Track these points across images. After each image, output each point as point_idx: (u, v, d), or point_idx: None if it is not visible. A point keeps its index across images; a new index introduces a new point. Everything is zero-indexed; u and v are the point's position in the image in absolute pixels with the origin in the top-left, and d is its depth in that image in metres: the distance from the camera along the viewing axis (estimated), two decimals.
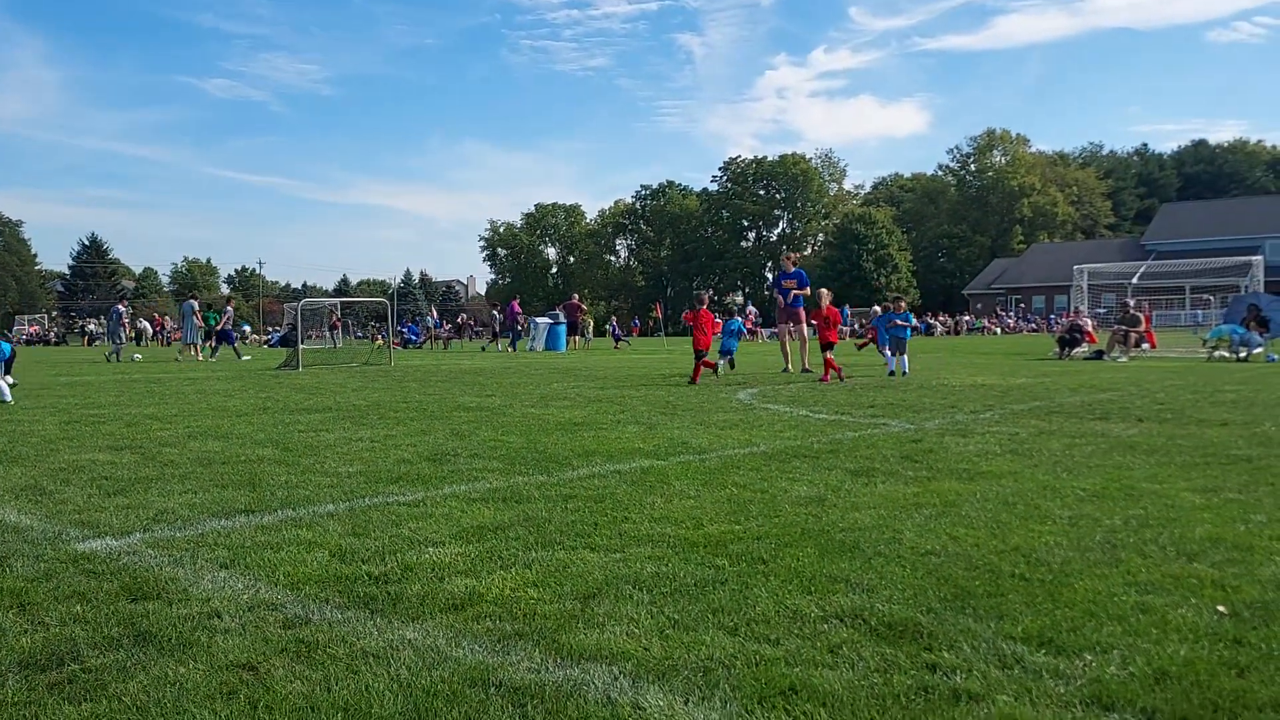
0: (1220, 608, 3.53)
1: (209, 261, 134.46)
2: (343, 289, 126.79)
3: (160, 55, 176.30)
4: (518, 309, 36.86)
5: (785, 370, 18.50)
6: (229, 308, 31.15)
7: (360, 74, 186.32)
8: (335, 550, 4.67)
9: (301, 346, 23.41)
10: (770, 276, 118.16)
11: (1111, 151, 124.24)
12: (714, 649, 3.25)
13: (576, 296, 39.63)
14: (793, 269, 19.07)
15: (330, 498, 6.06)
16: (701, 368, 15.96)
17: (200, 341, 29.59)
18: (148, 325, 58.17)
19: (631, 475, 6.81)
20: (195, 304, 30.73)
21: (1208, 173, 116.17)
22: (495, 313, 38.92)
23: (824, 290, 16.77)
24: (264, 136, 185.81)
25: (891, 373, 16.91)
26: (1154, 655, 3.05)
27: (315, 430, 9.70)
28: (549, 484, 6.50)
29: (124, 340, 29.94)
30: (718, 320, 18.81)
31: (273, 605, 3.80)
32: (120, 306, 29.79)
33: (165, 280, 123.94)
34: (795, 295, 18.84)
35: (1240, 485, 6.01)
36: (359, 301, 36.91)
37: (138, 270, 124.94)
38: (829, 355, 15.93)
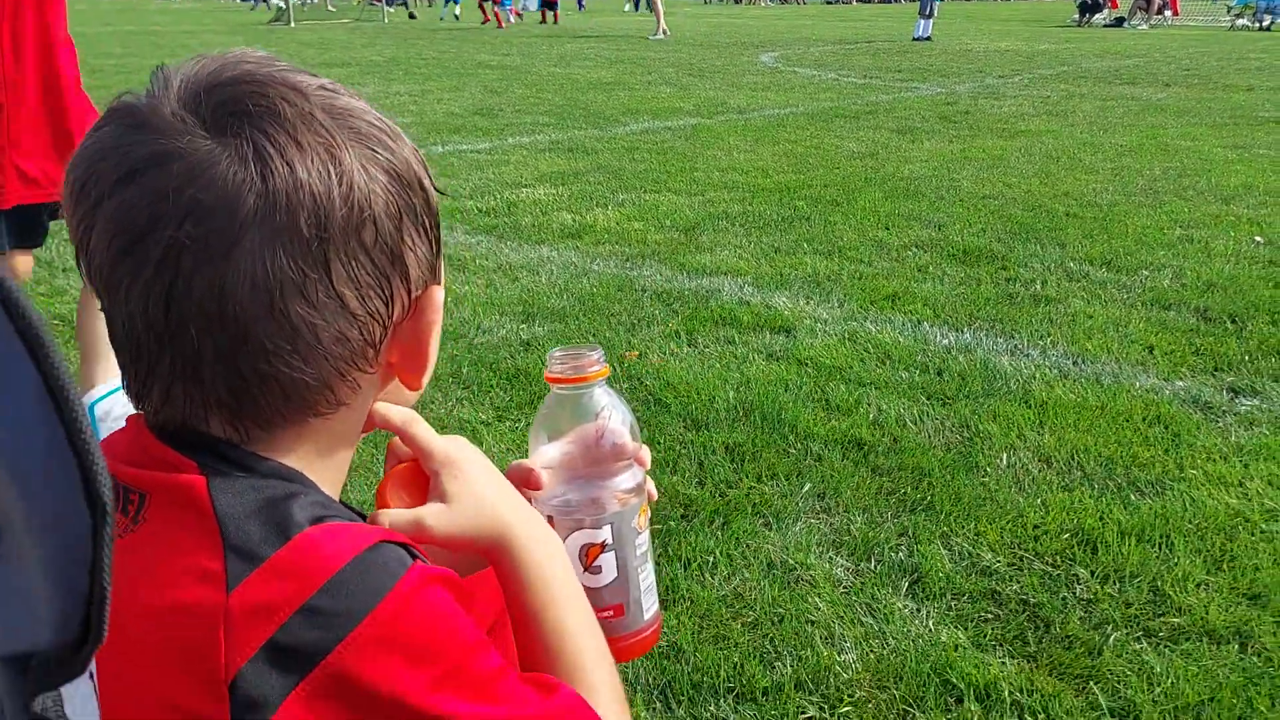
0: (1257, 238, 4.01)
1: None
2: None
3: None
4: None
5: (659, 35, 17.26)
6: None
7: None
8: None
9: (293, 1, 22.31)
10: None
11: None
12: (817, 268, 3.73)
13: None
14: None
15: None
16: (500, 15, 20.20)
17: None
18: None
19: (683, 131, 7.05)
20: None
21: None
22: None
23: None
24: None
25: (917, 38, 16.53)
26: (1202, 271, 3.56)
27: (349, 84, 9.62)
28: (606, 137, 6.75)
29: None
30: None
31: None
32: None
33: None
34: None
35: (1270, 143, 6.35)
36: None
37: None
38: (485, 3, 20.13)
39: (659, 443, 2.29)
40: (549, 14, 22.18)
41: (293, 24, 20.87)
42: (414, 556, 0.55)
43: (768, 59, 13.34)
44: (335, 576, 0.51)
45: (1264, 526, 1.94)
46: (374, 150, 0.57)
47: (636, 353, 2.85)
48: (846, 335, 2.99)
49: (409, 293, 0.59)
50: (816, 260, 3.83)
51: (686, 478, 2.14)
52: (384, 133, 0.58)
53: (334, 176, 0.54)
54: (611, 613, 0.76)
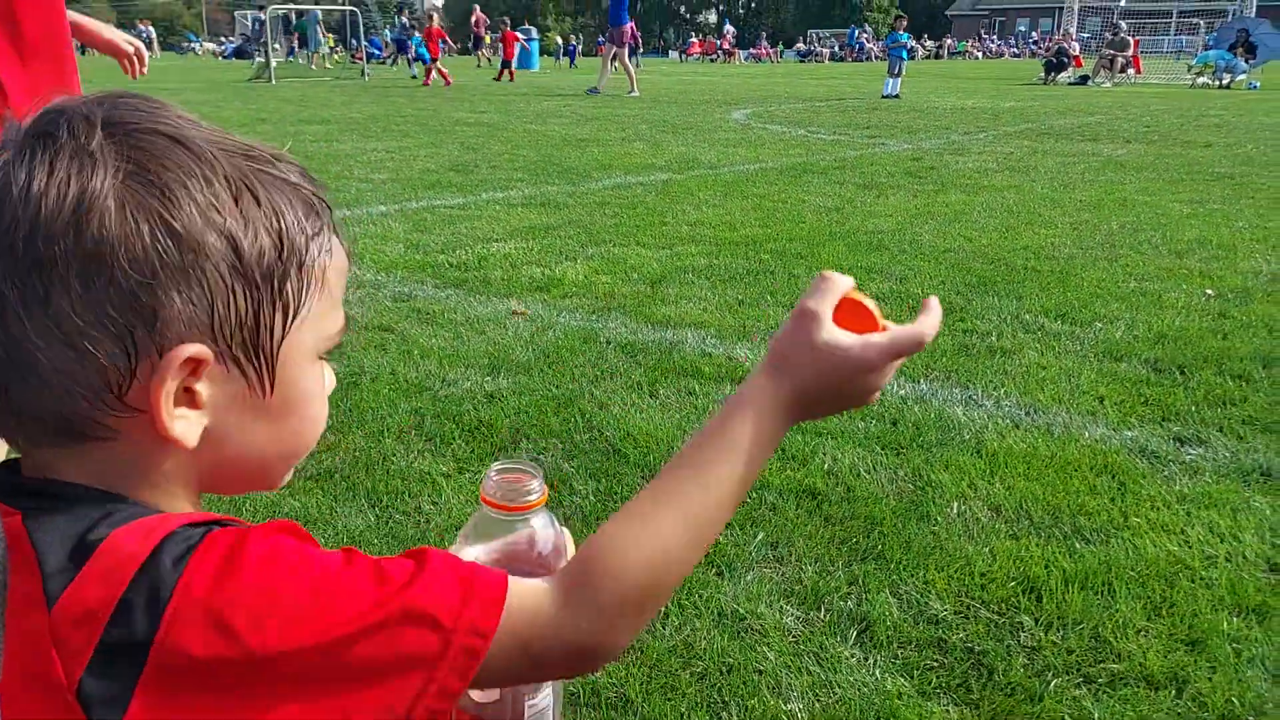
0: (1208, 291, 4.11)
1: None
2: None
3: None
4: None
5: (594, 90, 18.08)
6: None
7: None
8: (408, 244, 5.08)
9: (274, 61, 22.56)
10: None
11: None
12: (779, 320, 3.78)
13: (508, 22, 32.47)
14: None
15: (377, 200, 6.40)
16: (432, 71, 21.26)
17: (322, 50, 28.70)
18: None
19: (654, 186, 7.17)
20: (319, 13, 28.94)
21: None
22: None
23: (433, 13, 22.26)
24: None
25: (886, 95, 16.91)
26: (1153, 324, 3.65)
27: (327, 141, 9.82)
28: (578, 193, 6.85)
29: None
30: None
31: (376, 285, 4.27)
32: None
33: None
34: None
35: (1223, 198, 6.54)
36: (331, 9, 33.79)
37: None
38: (432, 65, 21.22)
39: (616, 493, 2.32)
40: (505, 73, 23.72)
41: (274, 81, 21.07)
42: (220, 525, 0.58)
43: (740, 116, 13.60)
44: (141, 568, 0.54)
45: (1203, 573, 1.98)
46: (161, 198, 0.56)
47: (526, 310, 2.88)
48: None
49: (159, 346, 0.57)
50: (779, 312, 3.89)
51: None
52: (190, 192, 0.57)
53: (70, 202, 0.54)
54: None
